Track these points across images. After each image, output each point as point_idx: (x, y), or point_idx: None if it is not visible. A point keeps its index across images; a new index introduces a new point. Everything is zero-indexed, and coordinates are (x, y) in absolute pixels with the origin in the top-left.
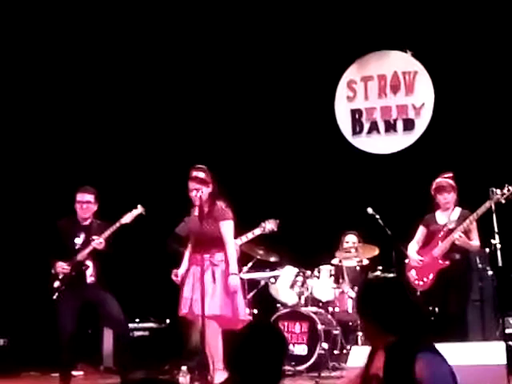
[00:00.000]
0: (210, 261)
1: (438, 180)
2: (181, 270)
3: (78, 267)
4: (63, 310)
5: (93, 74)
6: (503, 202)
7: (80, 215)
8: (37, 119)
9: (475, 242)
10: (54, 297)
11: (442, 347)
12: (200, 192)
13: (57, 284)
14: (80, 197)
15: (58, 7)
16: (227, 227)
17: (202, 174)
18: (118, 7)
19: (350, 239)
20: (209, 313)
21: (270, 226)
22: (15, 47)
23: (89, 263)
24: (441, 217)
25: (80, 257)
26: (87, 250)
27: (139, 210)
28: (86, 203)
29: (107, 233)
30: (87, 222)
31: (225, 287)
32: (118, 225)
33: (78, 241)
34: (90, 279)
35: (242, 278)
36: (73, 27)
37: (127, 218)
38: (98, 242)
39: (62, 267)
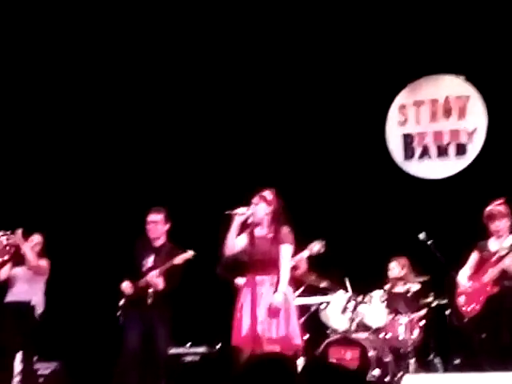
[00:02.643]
0: (270, 282)
1: (489, 208)
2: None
3: (142, 289)
4: (127, 329)
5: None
6: None
7: (149, 235)
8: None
9: None
10: (118, 314)
11: (496, 376)
12: (258, 207)
13: (122, 303)
14: (149, 217)
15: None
16: (287, 251)
17: (268, 195)
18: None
19: (394, 265)
20: (272, 336)
21: (317, 247)
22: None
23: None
24: (493, 244)
25: (145, 280)
26: (152, 273)
27: (189, 254)
28: (153, 223)
29: (161, 269)
30: (158, 244)
31: (286, 310)
32: (168, 265)
33: (147, 262)
34: (149, 301)
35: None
36: (74, 28)
37: (178, 260)
38: (153, 275)
39: (126, 288)
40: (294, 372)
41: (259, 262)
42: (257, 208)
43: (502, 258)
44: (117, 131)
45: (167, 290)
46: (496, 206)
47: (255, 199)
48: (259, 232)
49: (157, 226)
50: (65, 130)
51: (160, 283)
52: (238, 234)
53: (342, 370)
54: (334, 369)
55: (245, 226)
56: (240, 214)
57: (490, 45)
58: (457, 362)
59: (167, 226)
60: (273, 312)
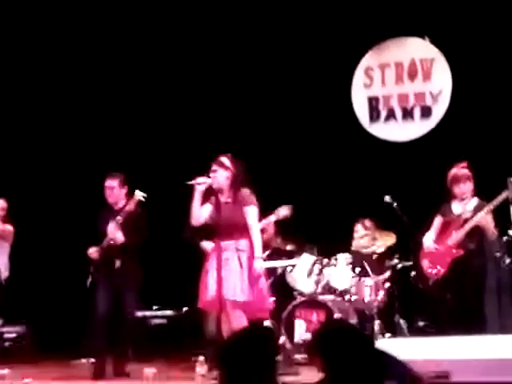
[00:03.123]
0: (235, 247)
1: (453, 171)
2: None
3: (108, 252)
4: (96, 293)
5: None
6: None
7: (108, 201)
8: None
9: (493, 229)
10: (88, 282)
11: (459, 340)
12: (217, 174)
13: (91, 270)
14: (106, 183)
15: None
16: (253, 213)
17: (225, 161)
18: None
19: (361, 227)
20: (237, 299)
21: (284, 212)
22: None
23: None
24: (457, 207)
25: (106, 242)
26: (111, 227)
27: (137, 195)
28: (109, 189)
29: (117, 220)
30: (118, 208)
31: (252, 274)
32: (123, 215)
33: (111, 226)
34: (117, 264)
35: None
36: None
37: (130, 206)
38: (111, 229)
39: (92, 253)
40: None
41: (224, 227)
42: (216, 175)
43: (466, 221)
44: (82, 101)
45: (129, 243)
46: (460, 169)
47: (214, 166)
48: (222, 198)
49: (113, 190)
50: (27, 97)
51: (120, 236)
52: (204, 203)
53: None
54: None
55: (210, 194)
56: (201, 183)
57: (455, 7)
58: (421, 324)
59: (124, 190)
60: (255, 278)
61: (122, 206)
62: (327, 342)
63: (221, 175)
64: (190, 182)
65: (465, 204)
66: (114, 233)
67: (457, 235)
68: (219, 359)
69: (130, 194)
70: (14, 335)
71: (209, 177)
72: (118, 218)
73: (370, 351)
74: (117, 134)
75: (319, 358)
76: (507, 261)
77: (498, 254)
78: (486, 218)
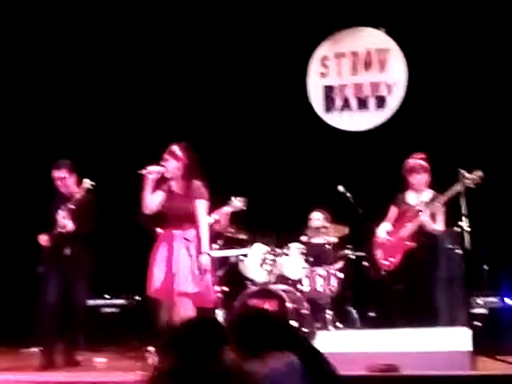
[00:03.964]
0: (183, 237)
1: (410, 161)
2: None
3: (58, 240)
4: (46, 281)
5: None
6: (473, 187)
7: (59, 190)
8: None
9: (438, 225)
10: (38, 270)
11: (409, 332)
12: (168, 164)
13: (41, 257)
14: (53, 174)
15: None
16: (202, 206)
17: (178, 150)
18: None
19: (315, 216)
20: (186, 290)
21: (238, 203)
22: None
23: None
24: (411, 197)
25: (56, 230)
26: (60, 214)
27: (85, 183)
28: (58, 179)
29: (67, 209)
30: (69, 195)
31: (200, 266)
32: (71, 203)
33: (61, 214)
34: (66, 251)
35: (211, 256)
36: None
37: (78, 194)
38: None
39: (42, 239)
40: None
41: (174, 216)
42: (168, 164)
43: (419, 212)
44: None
45: (79, 230)
46: (417, 160)
47: (166, 155)
48: (173, 187)
49: (62, 180)
50: None
51: (69, 224)
52: (155, 191)
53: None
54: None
55: (162, 182)
56: (153, 171)
57: None
58: (372, 314)
59: (73, 178)
60: (202, 272)
61: (73, 194)
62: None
63: (172, 165)
64: (141, 171)
65: (420, 195)
66: (64, 220)
67: (410, 227)
68: (168, 346)
69: (79, 181)
70: None
71: (161, 165)
72: (69, 205)
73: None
74: (69, 119)
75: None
76: (458, 252)
77: (449, 246)
78: (428, 221)
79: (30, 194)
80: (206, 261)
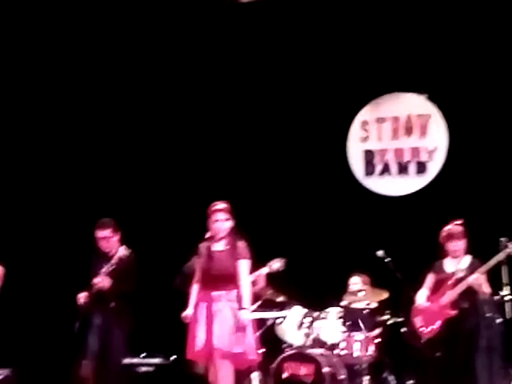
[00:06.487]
0: (227, 298)
1: (448, 227)
2: (189, 310)
3: (97, 297)
4: (87, 336)
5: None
6: None
7: (101, 250)
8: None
9: (487, 288)
10: (75, 327)
11: None
12: (225, 224)
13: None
14: (97, 234)
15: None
16: (245, 266)
17: (226, 210)
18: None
19: (353, 281)
20: (230, 350)
21: (276, 265)
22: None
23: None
24: (450, 264)
25: (94, 288)
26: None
27: (121, 252)
28: (102, 239)
29: (106, 268)
30: (111, 254)
31: (240, 325)
32: (113, 263)
33: (102, 272)
34: (111, 304)
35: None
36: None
37: (117, 258)
38: (98, 280)
39: (79, 297)
40: None
41: (216, 277)
42: (221, 223)
43: (459, 279)
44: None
45: (118, 289)
46: (455, 226)
47: (220, 213)
48: (216, 247)
49: (106, 240)
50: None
51: (106, 282)
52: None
53: None
54: None
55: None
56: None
57: (452, 64)
58: (410, 382)
59: (117, 237)
60: (240, 329)
61: (114, 253)
62: None
63: (225, 223)
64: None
65: (458, 262)
66: (103, 279)
67: (450, 295)
68: None
69: (122, 239)
70: None
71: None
72: (110, 264)
73: None
74: (109, 179)
75: None
76: (498, 321)
77: (489, 314)
78: (479, 279)
79: (70, 251)
80: (245, 316)
